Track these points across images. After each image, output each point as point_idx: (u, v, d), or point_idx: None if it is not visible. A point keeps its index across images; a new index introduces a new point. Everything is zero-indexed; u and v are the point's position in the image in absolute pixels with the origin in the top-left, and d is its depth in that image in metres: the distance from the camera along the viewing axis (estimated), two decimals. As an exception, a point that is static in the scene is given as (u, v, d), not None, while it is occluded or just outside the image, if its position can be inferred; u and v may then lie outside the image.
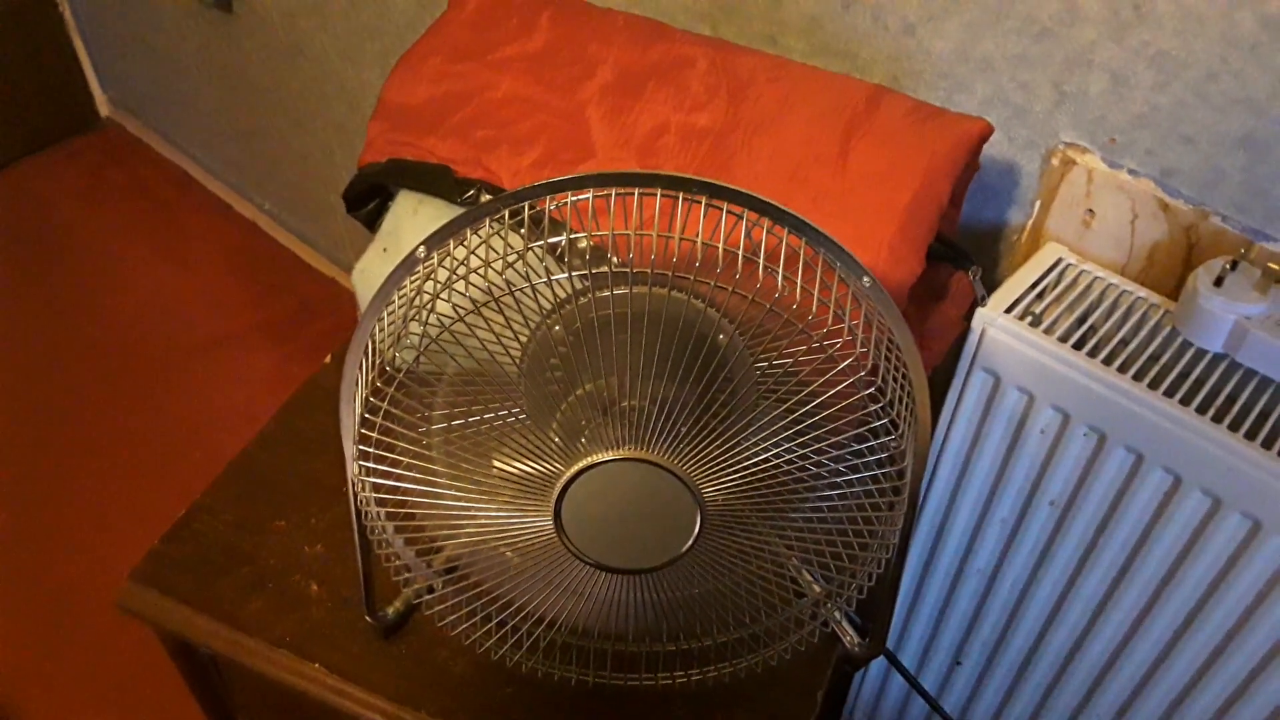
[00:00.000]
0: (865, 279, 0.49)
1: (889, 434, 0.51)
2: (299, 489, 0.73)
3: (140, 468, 1.57)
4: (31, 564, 1.44)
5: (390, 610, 0.65)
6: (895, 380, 0.51)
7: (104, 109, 2.19)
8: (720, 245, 0.46)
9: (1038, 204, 0.85)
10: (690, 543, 0.51)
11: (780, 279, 0.46)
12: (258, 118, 1.76)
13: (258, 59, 1.64)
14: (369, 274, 0.73)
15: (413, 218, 0.73)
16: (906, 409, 0.52)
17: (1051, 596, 0.89)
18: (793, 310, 0.47)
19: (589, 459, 0.48)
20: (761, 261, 0.45)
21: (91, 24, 2.05)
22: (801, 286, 0.47)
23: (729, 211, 0.48)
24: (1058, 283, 0.81)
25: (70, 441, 1.60)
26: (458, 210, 0.71)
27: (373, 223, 0.78)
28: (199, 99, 1.88)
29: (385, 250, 0.73)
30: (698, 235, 0.47)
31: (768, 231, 0.48)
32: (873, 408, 0.51)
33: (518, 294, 0.45)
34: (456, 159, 0.72)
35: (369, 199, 0.77)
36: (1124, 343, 0.77)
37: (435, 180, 0.72)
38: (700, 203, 0.47)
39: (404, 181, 0.74)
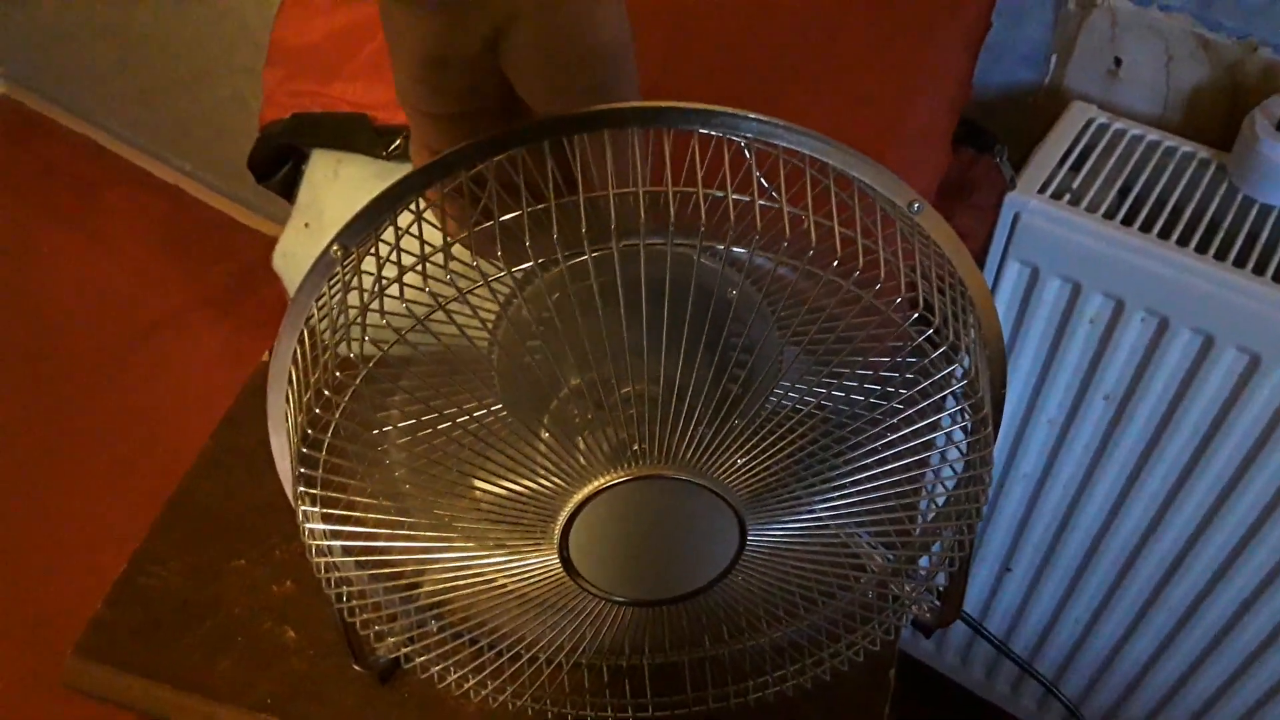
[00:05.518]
0: (916, 205, 0.38)
1: (959, 380, 0.41)
2: (254, 518, 0.62)
3: (100, 473, 1.46)
4: (-4, 596, 1.33)
5: (382, 650, 0.55)
6: (955, 314, 0.41)
7: (-5, 87, 2.01)
8: (729, 192, 0.35)
9: (1055, 59, 0.74)
10: (731, 557, 0.41)
11: (811, 223, 0.35)
12: (158, 74, 1.60)
13: (146, 8, 1.48)
14: (293, 257, 0.62)
15: (333, 182, 0.61)
16: (975, 342, 0.42)
17: (1110, 496, 0.80)
18: (815, 257, 0.36)
19: (595, 482, 0.38)
20: (784, 207, 0.34)
21: (-36, -5, 1.86)
22: (835, 228, 0.36)
23: (729, 138, 0.36)
24: (1091, 149, 0.70)
25: (19, 456, 1.48)
26: (383, 167, 0.59)
27: (290, 192, 0.66)
28: (94, 62, 1.71)
29: (307, 226, 0.61)
30: (695, 173, 0.36)
31: (780, 154, 0.37)
32: (933, 354, 0.40)
33: (472, 295, 0.34)
34: (373, 104, 0.59)
35: (279, 164, 0.65)
36: (1177, 210, 0.67)
37: (351, 133, 0.60)
38: (694, 131, 0.36)
39: (315, 139, 0.61)
